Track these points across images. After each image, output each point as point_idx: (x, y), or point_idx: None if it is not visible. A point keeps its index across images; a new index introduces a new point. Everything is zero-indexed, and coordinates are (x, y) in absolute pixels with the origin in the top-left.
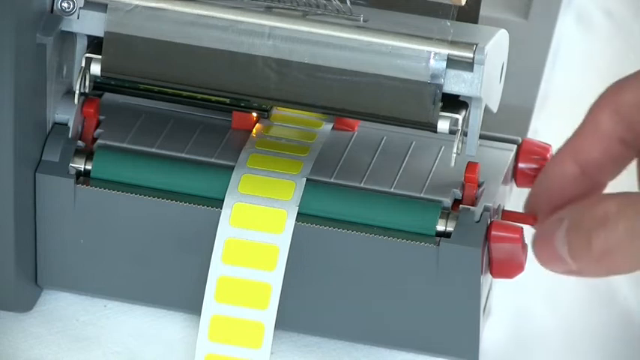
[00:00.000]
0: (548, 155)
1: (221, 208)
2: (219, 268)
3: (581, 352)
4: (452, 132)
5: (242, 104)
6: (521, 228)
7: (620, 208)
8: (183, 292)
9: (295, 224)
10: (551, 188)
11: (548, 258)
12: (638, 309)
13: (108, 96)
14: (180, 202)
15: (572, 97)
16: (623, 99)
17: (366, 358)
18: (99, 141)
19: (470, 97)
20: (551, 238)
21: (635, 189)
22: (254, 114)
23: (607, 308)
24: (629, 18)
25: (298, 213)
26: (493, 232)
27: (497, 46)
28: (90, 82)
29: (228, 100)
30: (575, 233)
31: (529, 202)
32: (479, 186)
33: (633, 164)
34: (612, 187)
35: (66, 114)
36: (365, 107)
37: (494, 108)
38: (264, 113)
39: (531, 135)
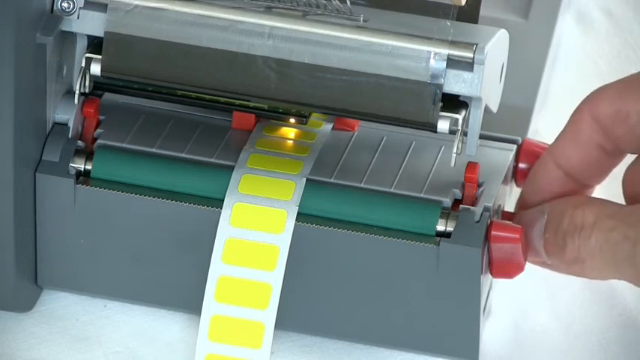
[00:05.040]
0: None
1: (221, 208)
2: (219, 268)
3: (581, 352)
4: (452, 132)
5: (280, 110)
6: (521, 228)
7: (597, 220)
8: (183, 292)
9: (295, 224)
10: (539, 189)
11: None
12: (638, 310)
13: (108, 96)
14: (180, 202)
15: (572, 97)
16: (601, 108)
17: (366, 358)
18: (99, 141)
19: (470, 97)
20: (530, 229)
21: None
22: (292, 119)
23: (607, 309)
24: (629, 17)
25: (298, 213)
26: (493, 232)
27: (497, 46)
28: (90, 82)
29: (236, 102)
30: (552, 232)
31: (520, 203)
32: (479, 186)
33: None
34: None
35: (66, 114)
36: (365, 107)
37: (495, 108)
38: (304, 119)
39: (531, 135)
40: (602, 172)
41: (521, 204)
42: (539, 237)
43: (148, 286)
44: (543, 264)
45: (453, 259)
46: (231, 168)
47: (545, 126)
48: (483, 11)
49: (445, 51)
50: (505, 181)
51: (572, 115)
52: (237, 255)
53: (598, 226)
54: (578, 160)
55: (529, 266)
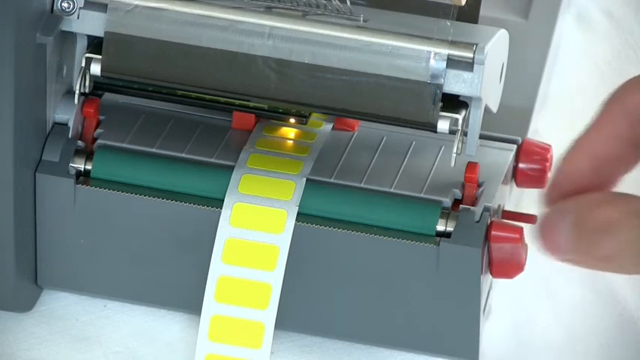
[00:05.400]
0: (548, 155)
1: (221, 208)
2: (219, 268)
3: (581, 352)
4: (452, 132)
5: (280, 110)
6: (521, 228)
7: (622, 216)
8: (183, 292)
9: (295, 224)
10: (564, 182)
11: (551, 248)
12: (638, 310)
13: (108, 96)
14: (180, 202)
15: (572, 97)
16: (631, 101)
17: (366, 358)
18: (99, 141)
19: (470, 97)
20: (555, 229)
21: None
22: (292, 119)
23: (607, 309)
24: (629, 18)
25: (298, 213)
26: (493, 232)
27: (497, 46)
28: (90, 82)
29: (236, 102)
30: (580, 232)
31: (547, 194)
32: (479, 186)
33: None
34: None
35: (66, 114)
36: (365, 107)
37: (495, 108)
38: (304, 119)
39: (531, 135)
40: (628, 167)
41: (549, 195)
42: (566, 238)
43: (148, 286)
44: (571, 261)
45: (453, 259)
46: (231, 168)
47: (545, 126)
48: (483, 11)
49: (445, 51)
50: (505, 181)
51: (602, 108)
52: (237, 255)
53: (624, 223)
54: (607, 153)
55: (529, 266)
